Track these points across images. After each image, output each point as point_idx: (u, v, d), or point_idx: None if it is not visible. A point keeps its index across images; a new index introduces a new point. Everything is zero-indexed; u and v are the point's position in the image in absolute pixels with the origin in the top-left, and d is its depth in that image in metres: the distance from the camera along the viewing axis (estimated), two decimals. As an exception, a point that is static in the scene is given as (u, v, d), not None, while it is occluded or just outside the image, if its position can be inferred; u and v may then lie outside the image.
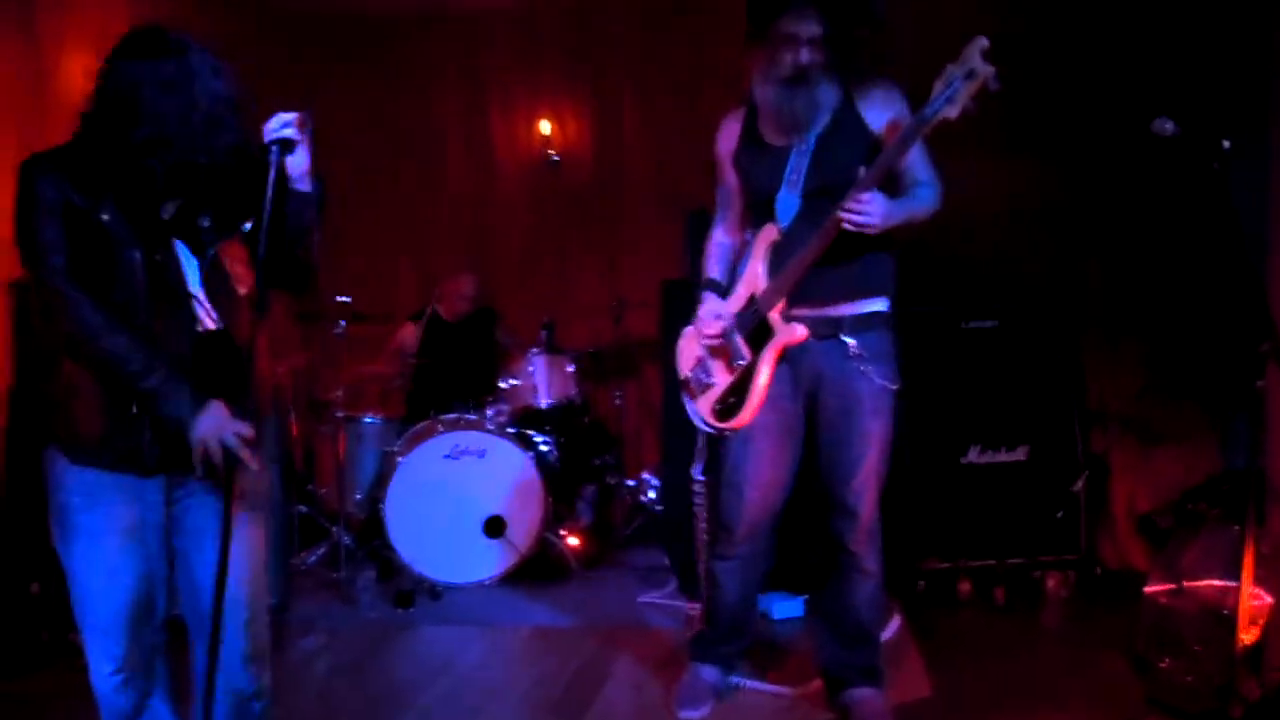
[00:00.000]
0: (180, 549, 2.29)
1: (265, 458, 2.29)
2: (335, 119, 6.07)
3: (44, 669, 3.72)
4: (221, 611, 2.12)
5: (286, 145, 2.16)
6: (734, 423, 2.96)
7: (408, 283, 6.26)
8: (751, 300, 2.94)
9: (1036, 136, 4.52)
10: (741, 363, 2.95)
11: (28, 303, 3.82)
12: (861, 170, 2.67)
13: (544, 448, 5.01)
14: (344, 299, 4.92)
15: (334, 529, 4.80)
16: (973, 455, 4.29)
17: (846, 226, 2.65)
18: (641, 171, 6.06)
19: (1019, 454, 4.27)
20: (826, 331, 2.87)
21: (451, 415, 4.84)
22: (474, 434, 4.74)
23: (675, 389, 4.55)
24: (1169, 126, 2.55)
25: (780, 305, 2.87)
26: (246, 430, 2.14)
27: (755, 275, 2.93)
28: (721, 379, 3.01)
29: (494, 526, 4.68)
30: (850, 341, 2.85)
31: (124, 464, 2.17)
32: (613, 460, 5.62)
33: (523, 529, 4.69)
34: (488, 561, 4.67)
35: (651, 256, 5.68)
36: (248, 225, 2.28)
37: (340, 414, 4.88)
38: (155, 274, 2.15)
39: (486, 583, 4.66)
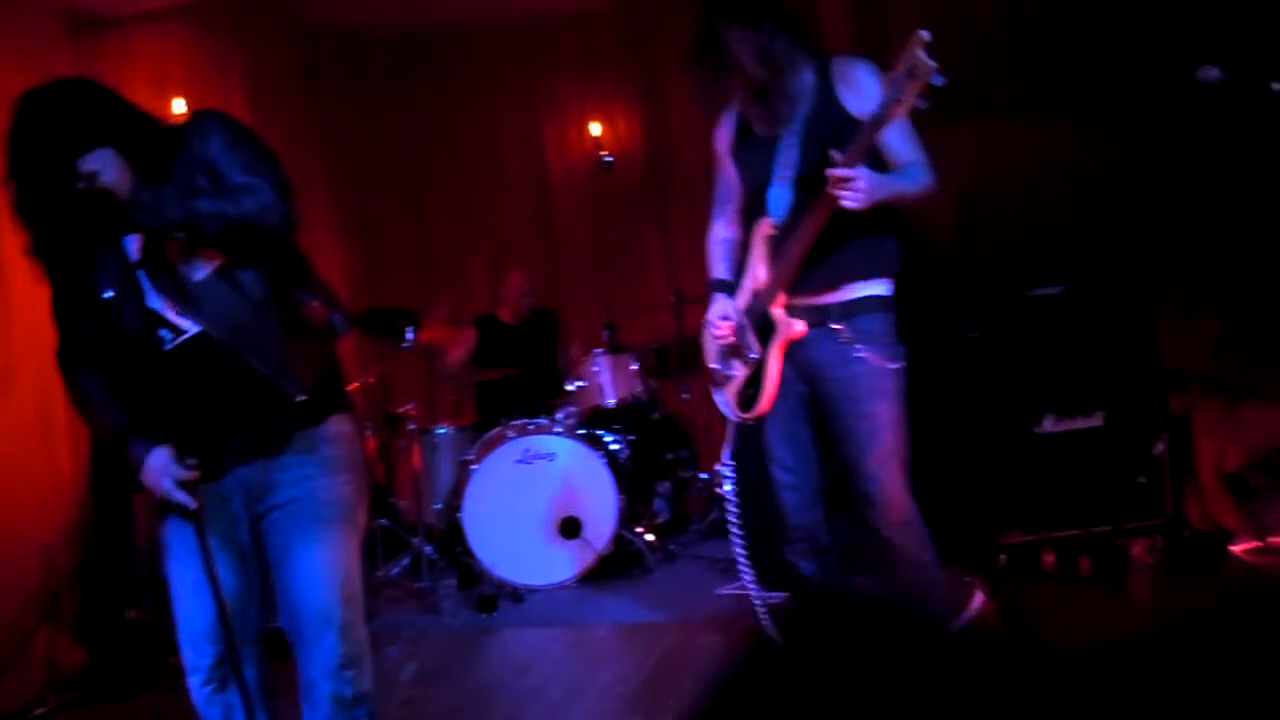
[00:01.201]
0: (269, 564, 2.36)
1: (340, 467, 2.35)
2: (402, 134, 6.24)
3: (144, 692, 3.85)
4: (233, 636, 2.26)
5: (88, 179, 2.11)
6: (755, 412, 2.99)
7: (479, 290, 6.35)
8: (755, 294, 2.96)
9: (1096, 96, 4.40)
10: (754, 357, 2.97)
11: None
12: (836, 154, 2.61)
13: (614, 446, 5.04)
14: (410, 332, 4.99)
15: (414, 540, 4.89)
16: (1048, 424, 4.19)
17: (844, 203, 2.58)
18: (694, 166, 6.05)
19: (1095, 420, 4.17)
20: (816, 320, 2.85)
21: (521, 420, 4.89)
22: (544, 437, 4.79)
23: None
24: (1214, 73, 2.48)
25: (781, 299, 2.88)
26: (185, 474, 2.22)
27: (756, 270, 2.95)
28: (739, 371, 3.04)
29: (570, 528, 4.71)
30: (838, 327, 2.82)
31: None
32: (686, 454, 5.63)
33: (598, 528, 4.72)
34: (566, 563, 4.72)
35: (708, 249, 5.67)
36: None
37: (414, 426, 4.97)
38: (121, 300, 2.21)
39: (566, 584, 4.70)
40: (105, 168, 2.09)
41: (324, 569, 2.31)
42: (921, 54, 2.38)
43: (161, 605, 3.92)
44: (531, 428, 4.84)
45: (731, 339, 3.02)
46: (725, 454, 3.20)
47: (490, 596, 4.50)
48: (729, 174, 3.10)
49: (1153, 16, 4.38)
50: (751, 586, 3.29)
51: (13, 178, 2.14)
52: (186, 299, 2.20)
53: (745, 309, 3.00)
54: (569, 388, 5.20)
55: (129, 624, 3.98)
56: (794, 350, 2.91)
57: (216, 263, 2.21)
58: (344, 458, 2.37)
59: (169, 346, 2.21)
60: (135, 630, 3.97)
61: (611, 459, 4.85)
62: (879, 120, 2.51)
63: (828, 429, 2.98)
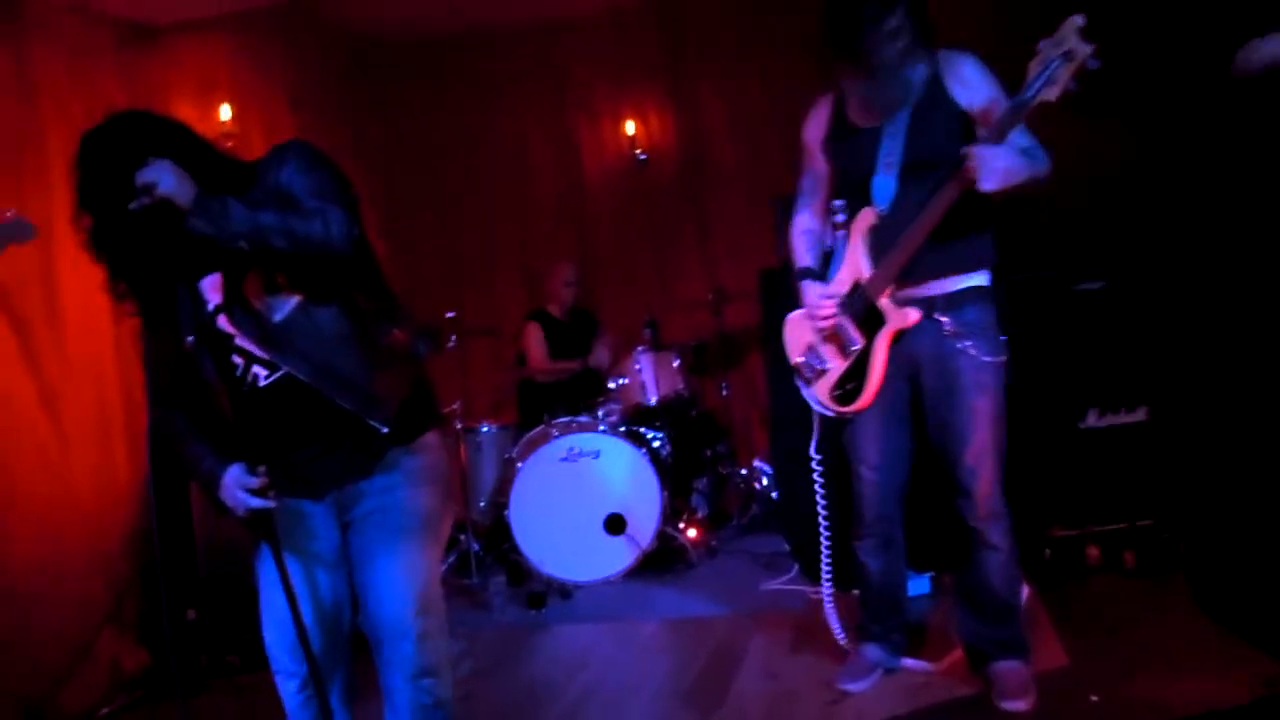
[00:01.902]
0: (354, 573, 2.42)
1: (426, 480, 2.41)
2: (436, 136, 6.30)
3: (203, 691, 3.94)
4: (309, 646, 2.29)
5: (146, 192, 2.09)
6: (855, 406, 2.99)
7: (510, 292, 6.41)
8: (856, 286, 2.95)
9: (1135, 91, 4.41)
10: (855, 348, 2.96)
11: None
12: (981, 131, 2.68)
13: (656, 443, 5.09)
14: (451, 314, 5.06)
15: (462, 537, 4.95)
16: (1091, 419, 4.22)
17: (981, 185, 2.60)
18: (729, 162, 6.10)
19: (1139, 414, 4.19)
20: (921, 311, 2.88)
21: (564, 419, 4.95)
22: (587, 435, 4.85)
23: (780, 378, 4.58)
24: (1257, 58, 2.50)
25: (889, 290, 2.88)
26: (255, 481, 2.25)
27: (857, 260, 2.94)
28: (836, 364, 3.03)
29: (614, 524, 4.77)
30: (944, 319, 2.85)
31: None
32: (724, 450, 5.68)
33: (642, 525, 4.78)
34: (611, 559, 4.78)
35: (746, 246, 5.73)
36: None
37: (459, 425, 5.03)
38: (202, 346, 2.27)
39: (612, 579, 4.76)
40: (162, 176, 2.06)
41: (403, 579, 2.35)
42: (1077, 38, 2.41)
43: (219, 606, 4.04)
44: (575, 426, 4.90)
45: (835, 323, 3.00)
46: (812, 447, 3.21)
47: (539, 593, 4.57)
48: (818, 167, 3.09)
49: (1189, 7, 4.38)
50: (828, 581, 3.32)
51: (84, 211, 2.16)
52: (269, 340, 2.25)
53: (843, 301, 2.99)
54: (611, 385, 5.25)
55: (188, 625, 4.06)
56: (896, 342, 2.92)
57: (295, 300, 2.24)
58: (430, 471, 2.42)
59: (262, 384, 2.27)
60: (194, 631, 4.06)
61: (654, 455, 4.90)
62: (1026, 104, 2.53)
63: (921, 422, 3.00)
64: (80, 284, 3.83)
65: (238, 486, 2.26)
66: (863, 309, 2.94)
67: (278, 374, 2.27)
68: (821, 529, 3.27)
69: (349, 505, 2.38)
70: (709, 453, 5.57)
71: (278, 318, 2.25)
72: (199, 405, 2.32)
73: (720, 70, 6.08)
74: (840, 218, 3.03)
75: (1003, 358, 2.92)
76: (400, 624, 2.34)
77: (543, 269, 5.95)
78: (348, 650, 2.48)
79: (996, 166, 2.59)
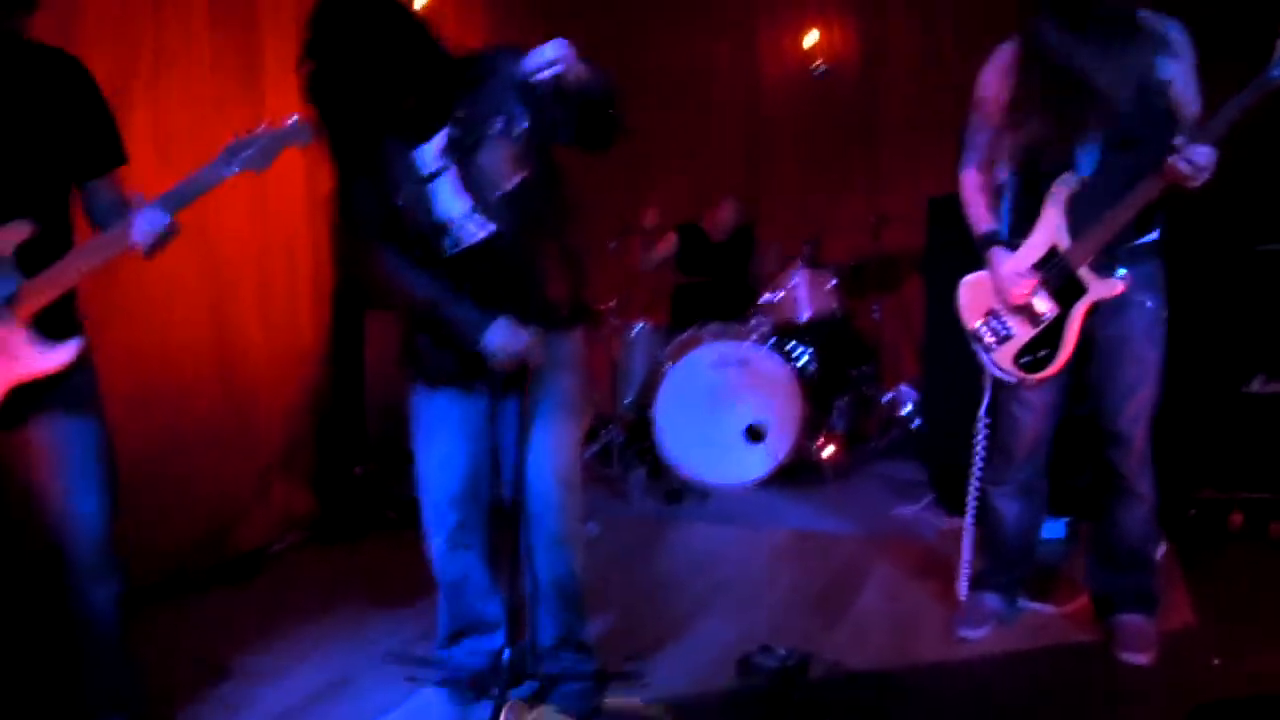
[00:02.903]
0: (501, 443, 2.63)
1: (568, 363, 2.59)
2: (616, 43, 6.33)
3: (364, 539, 4.31)
4: (523, 496, 2.51)
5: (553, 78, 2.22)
6: (1044, 374, 2.96)
7: (681, 198, 6.47)
8: (1053, 252, 2.89)
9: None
10: (1048, 317, 2.93)
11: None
12: (1198, 131, 2.63)
13: (803, 359, 5.17)
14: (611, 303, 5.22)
15: (608, 428, 5.17)
16: (1256, 385, 4.11)
17: (1189, 184, 2.61)
18: (906, 85, 5.99)
19: (1308, 385, 4.07)
20: (1104, 264, 2.86)
21: (716, 325, 5.06)
22: (737, 344, 4.97)
23: (939, 310, 4.58)
24: None
25: (1090, 259, 2.85)
26: (532, 337, 2.42)
27: (1055, 227, 2.88)
28: (1022, 331, 2.98)
29: (754, 433, 4.91)
30: (1123, 272, 2.84)
31: (450, 382, 2.56)
32: (869, 371, 5.72)
33: (781, 436, 4.90)
34: (748, 465, 4.93)
35: (914, 170, 5.67)
36: (499, 125, 2.36)
37: (614, 320, 5.21)
38: (411, 208, 2.40)
39: (747, 485, 4.91)
40: (561, 53, 2.18)
41: (553, 452, 2.57)
42: None
43: (386, 464, 4.37)
44: (726, 334, 5.01)
45: (1029, 299, 2.96)
46: (981, 411, 3.18)
47: (676, 490, 4.77)
48: (995, 122, 2.96)
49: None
50: (971, 526, 3.31)
51: (308, 60, 2.22)
52: (488, 207, 2.39)
53: (1035, 265, 2.93)
54: (764, 299, 5.33)
55: (356, 479, 4.41)
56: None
57: (522, 175, 2.39)
58: (580, 358, 2.64)
59: (464, 245, 2.44)
60: (361, 484, 4.40)
61: (800, 371, 4.99)
62: (1249, 103, 2.51)
63: (1082, 369, 2.99)
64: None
65: (510, 342, 2.41)
66: (1060, 278, 2.90)
67: (466, 243, 2.42)
68: (972, 483, 3.25)
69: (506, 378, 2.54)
70: (854, 372, 5.62)
71: (507, 186, 2.38)
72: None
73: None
74: (1003, 175, 2.99)
75: (1167, 313, 2.91)
76: (547, 493, 2.57)
77: (714, 186, 5.98)
78: (485, 516, 2.69)
79: (1206, 166, 2.59)
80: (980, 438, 3.20)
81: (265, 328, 4.22)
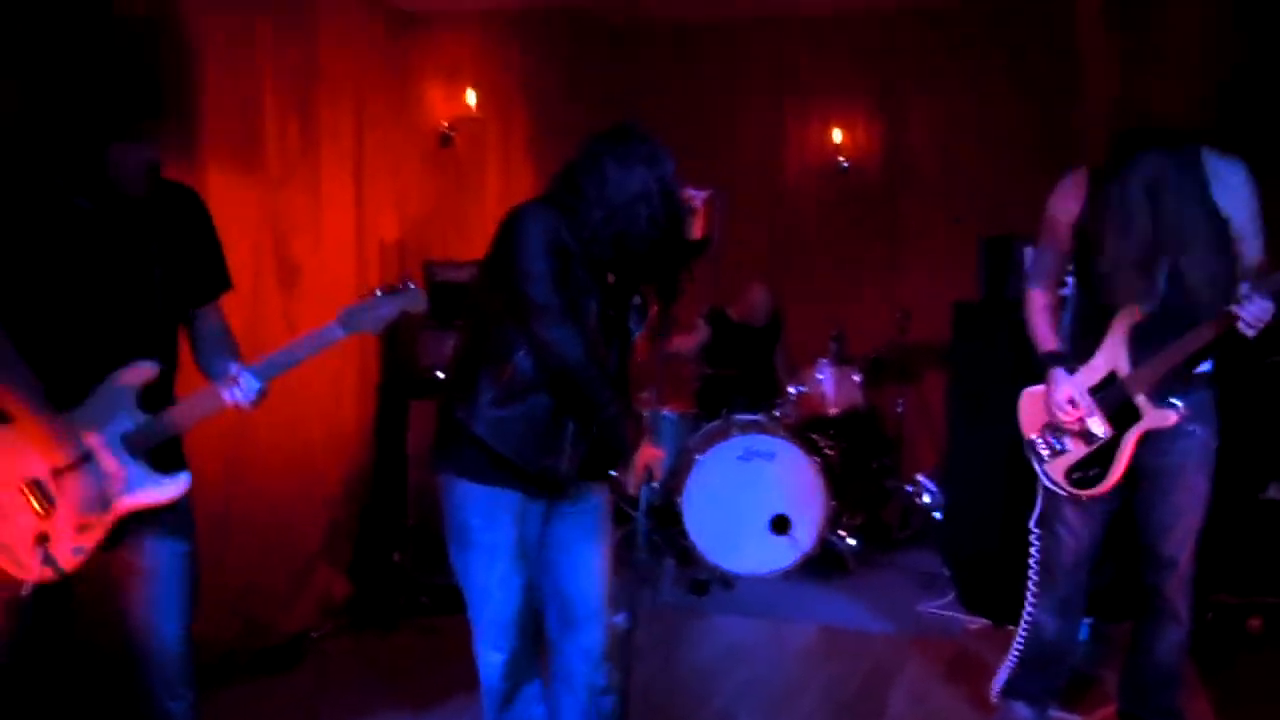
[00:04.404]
0: (550, 560, 2.69)
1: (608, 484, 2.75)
2: (650, 123, 6.51)
3: (399, 628, 4.36)
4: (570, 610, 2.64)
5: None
6: (1094, 491, 3.05)
7: (705, 291, 6.59)
8: (1112, 377, 3.00)
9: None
10: (1101, 439, 3.03)
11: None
12: (1244, 287, 2.79)
13: (828, 452, 5.29)
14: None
15: (636, 515, 5.26)
16: (1272, 491, 4.25)
17: (1246, 333, 2.76)
18: (929, 182, 6.17)
19: (1322, 494, 4.19)
20: (1160, 394, 2.97)
21: (745, 417, 5.19)
22: (765, 437, 5.09)
23: (958, 405, 4.72)
24: None
25: (1147, 388, 2.96)
26: (659, 455, 2.60)
27: (1117, 353, 2.99)
28: (1076, 448, 3.07)
29: (780, 524, 5.02)
30: (1179, 404, 2.95)
31: (534, 484, 2.57)
32: (889, 463, 5.84)
33: (806, 528, 5.01)
34: (773, 556, 5.03)
35: (936, 267, 5.83)
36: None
37: (645, 412, 5.33)
38: (604, 323, 2.58)
39: (772, 576, 5.02)
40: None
41: (599, 569, 2.68)
42: None
43: (422, 552, 4.45)
44: (754, 426, 5.14)
45: (1083, 425, 3.05)
46: (1032, 521, 3.26)
47: (703, 580, 4.87)
48: (1063, 246, 3.09)
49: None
50: (1018, 649, 3.35)
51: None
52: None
53: (1093, 388, 3.03)
54: (791, 391, 5.46)
55: (393, 566, 4.51)
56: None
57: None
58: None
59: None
60: (398, 572, 4.50)
61: (825, 464, 5.11)
62: None
63: (1131, 492, 3.08)
64: (336, 235, 4.28)
65: (650, 456, 2.58)
66: (1117, 402, 3.00)
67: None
68: (1028, 599, 3.30)
69: (555, 500, 2.64)
70: (875, 464, 5.74)
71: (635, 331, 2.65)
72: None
73: (934, 93, 6.15)
74: (1068, 290, 3.13)
75: (1218, 443, 3.03)
76: (593, 609, 2.67)
77: (734, 273, 6.11)
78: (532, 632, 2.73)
79: (1265, 320, 2.73)
80: (1034, 550, 3.25)
81: (301, 421, 4.28)
